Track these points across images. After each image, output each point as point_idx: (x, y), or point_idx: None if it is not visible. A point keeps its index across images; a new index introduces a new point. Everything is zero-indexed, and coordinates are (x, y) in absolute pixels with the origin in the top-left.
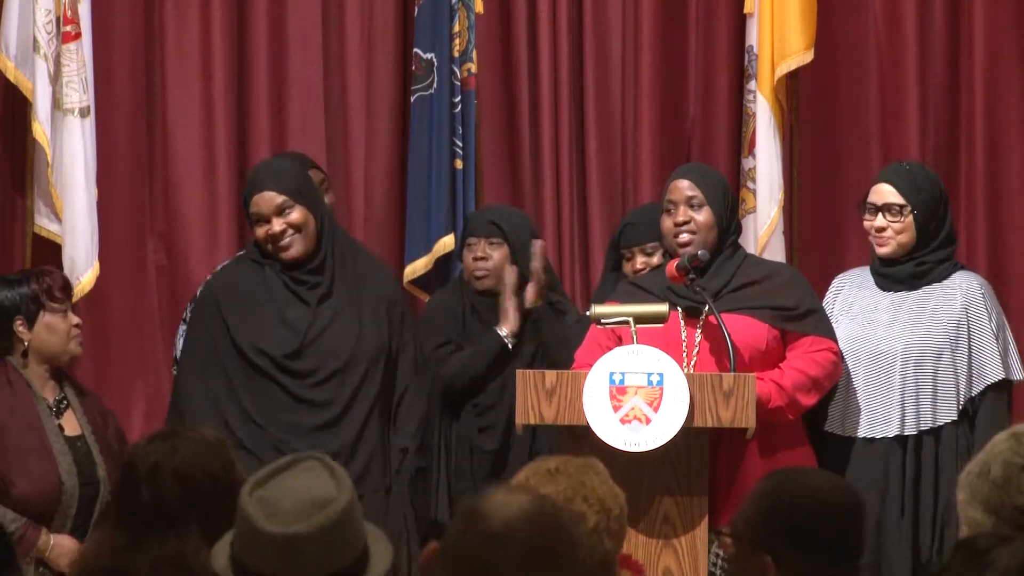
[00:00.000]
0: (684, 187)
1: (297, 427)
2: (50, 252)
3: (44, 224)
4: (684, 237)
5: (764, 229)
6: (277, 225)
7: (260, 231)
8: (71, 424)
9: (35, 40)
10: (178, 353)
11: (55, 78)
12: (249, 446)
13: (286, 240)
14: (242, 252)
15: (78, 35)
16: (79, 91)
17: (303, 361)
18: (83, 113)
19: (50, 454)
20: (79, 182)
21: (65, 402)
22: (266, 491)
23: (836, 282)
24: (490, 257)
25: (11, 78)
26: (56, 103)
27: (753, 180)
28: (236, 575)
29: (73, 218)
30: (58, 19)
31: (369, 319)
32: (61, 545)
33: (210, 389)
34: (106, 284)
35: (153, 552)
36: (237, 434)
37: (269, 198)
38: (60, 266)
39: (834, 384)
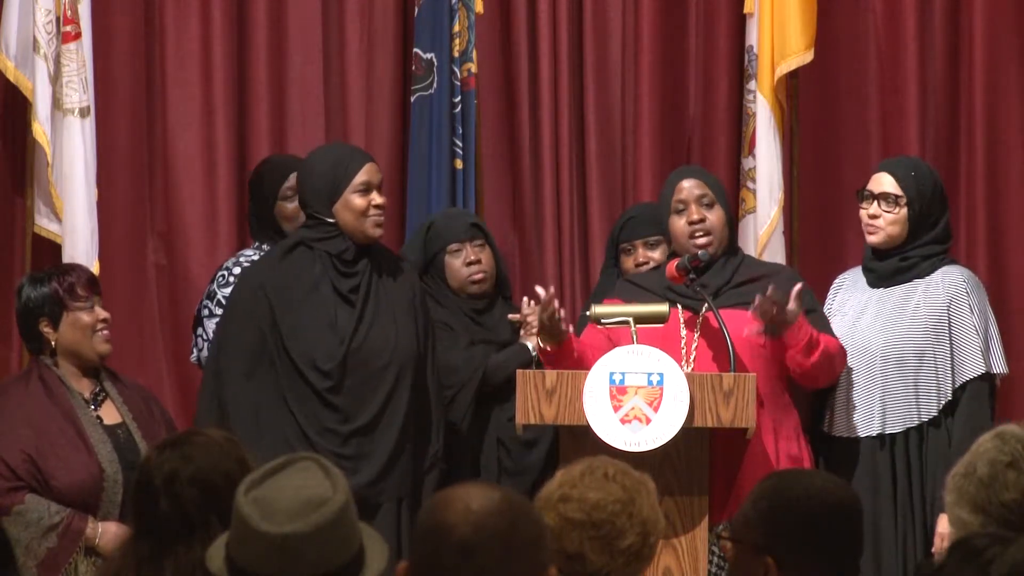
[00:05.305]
0: (692, 186)
1: (336, 433)
2: (50, 252)
3: (44, 224)
4: (702, 240)
5: (764, 229)
6: (380, 198)
7: (362, 200)
8: (110, 413)
9: (35, 40)
10: (201, 351)
11: (55, 78)
12: (297, 450)
13: (382, 216)
14: (259, 245)
15: (78, 35)
16: (79, 91)
17: (347, 369)
18: (83, 113)
19: (88, 444)
20: (79, 182)
21: (103, 394)
22: (261, 491)
23: (837, 281)
24: (481, 259)
25: (11, 78)
26: (56, 103)
27: (753, 180)
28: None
29: (73, 218)
30: (58, 19)
31: (403, 320)
32: (109, 531)
33: (259, 388)
34: (106, 284)
35: (180, 559)
36: (287, 437)
37: (376, 170)
38: None
39: (837, 376)
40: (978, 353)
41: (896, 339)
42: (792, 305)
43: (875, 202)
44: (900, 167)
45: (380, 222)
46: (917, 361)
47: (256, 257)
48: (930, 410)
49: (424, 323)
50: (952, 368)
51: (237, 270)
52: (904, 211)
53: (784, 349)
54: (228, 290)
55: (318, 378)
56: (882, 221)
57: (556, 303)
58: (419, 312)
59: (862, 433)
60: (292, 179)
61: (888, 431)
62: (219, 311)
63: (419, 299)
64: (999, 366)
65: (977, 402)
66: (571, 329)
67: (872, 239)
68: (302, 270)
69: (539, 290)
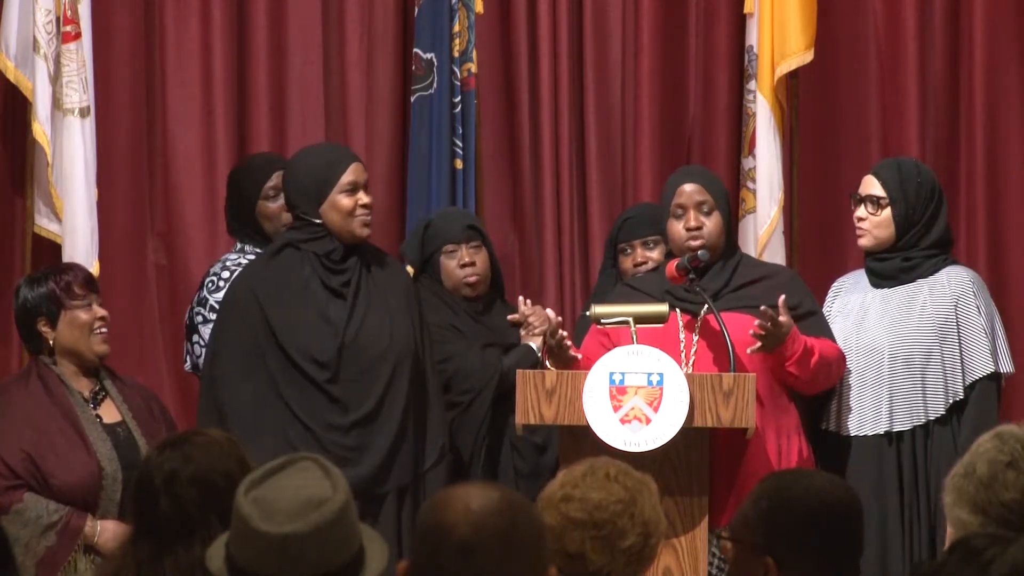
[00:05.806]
0: (693, 191)
1: (337, 425)
2: (50, 252)
3: (44, 224)
4: (697, 243)
5: (764, 229)
6: (367, 197)
7: (349, 200)
8: (110, 412)
9: (35, 40)
10: (198, 358)
11: (55, 78)
12: (298, 447)
13: (369, 216)
14: (241, 247)
15: (78, 35)
16: (79, 91)
17: (343, 360)
18: (83, 113)
19: (87, 443)
20: (79, 182)
21: (103, 392)
22: (261, 491)
23: (835, 285)
24: (476, 262)
25: (11, 78)
26: (56, 103)
27: (753, 180)
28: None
29: (73, 218)
30: (58, 19)
31: (397, 313)
32: (108, 529)
33: (256, 389)
34: (106, 284)
35: (180, 559)
36: (287, 435)
37: (362, 170)
38: None
39: (836, 381)
40: (987, 352)
41: (904, 338)
42: (783, 317)
43: (861, 205)
44: (885, 168)
45: (367, 222)
46: (925, 360)
47: (240, 259)
48: (938, 409)
49: (419, 319)
50: (962, 367)
51: (226, 274)
52: (887, 212)
53: (781, 361)
54: (220, 295)
55: (316, 370)
56: (867, 224)
57: (563, 331)
58: (413, 307)
59: (869, 431)
60: (275, 178)
61: (896, 429)
62: (213, 316)
63: (412, 295)
64: (1006, 365)
65: (985, 401)
66: (574, 348)
67: (860, 242)
68: (290, 271)
69: (521, 300)
